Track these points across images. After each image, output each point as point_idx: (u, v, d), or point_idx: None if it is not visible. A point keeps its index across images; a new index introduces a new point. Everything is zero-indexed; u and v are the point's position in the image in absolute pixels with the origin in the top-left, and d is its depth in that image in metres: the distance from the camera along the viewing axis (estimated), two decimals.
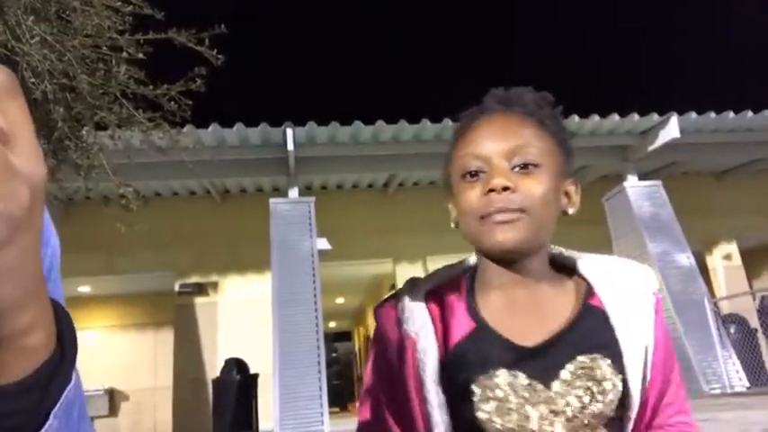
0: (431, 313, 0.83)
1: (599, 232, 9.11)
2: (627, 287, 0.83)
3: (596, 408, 0.75)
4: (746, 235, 10.89)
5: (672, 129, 8.18)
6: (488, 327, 0.80)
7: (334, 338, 18.79)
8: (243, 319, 9.15)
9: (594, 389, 0.76)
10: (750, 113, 8.52)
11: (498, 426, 0.76)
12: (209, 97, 3.80)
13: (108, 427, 10.69)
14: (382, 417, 0.83)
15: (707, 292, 7.91)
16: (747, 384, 7.18)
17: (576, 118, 8.17)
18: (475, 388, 0.77)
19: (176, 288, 9.33)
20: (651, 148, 8.57)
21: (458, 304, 0.84)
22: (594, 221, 9.12)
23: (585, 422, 0.76)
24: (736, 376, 7.27)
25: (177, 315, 9.41)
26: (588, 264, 0.86)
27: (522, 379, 0.76)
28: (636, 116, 8.21)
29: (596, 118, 8.21)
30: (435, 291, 0.87)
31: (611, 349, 0.78)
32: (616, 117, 8.22)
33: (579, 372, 0.76)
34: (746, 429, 3.63)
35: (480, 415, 0.76)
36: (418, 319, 0.82)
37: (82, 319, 10.78)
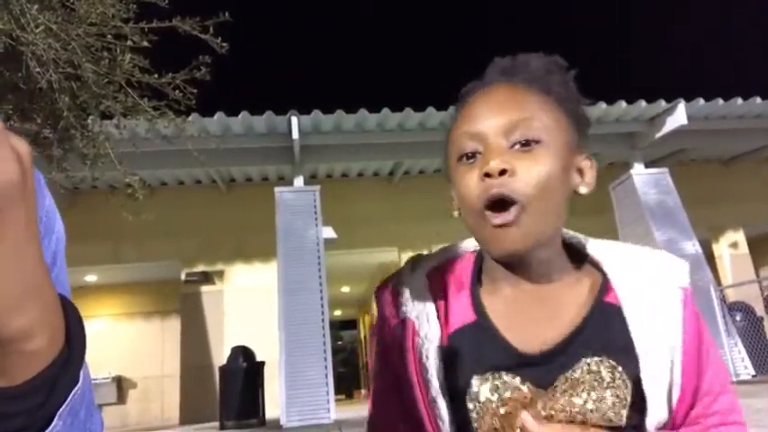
0: (432, 293, 0.77)
1: (605, 220, 9.08)
2: (649, 280, 0.73)
3: (597, 415, 0.68)
4: (753, 223, 10.83)
5: (679, 116, 8.12)
6: (490, 323, 0.73)
7: (339, 327, 18.88)
8: (249, 307, 9.20)
9: (595, 395, 0.68)
10: (759, 100, 8.44)
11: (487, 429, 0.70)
12: (215, 86, 3.79)
13: (116, 415, 10.81)
14: (388, 404, 0.78)
15: (713, 279, 7.88)
16: (753, 372, 7.18)
17: None
18: (471, 387, 0.71)
19: (183, 277, 9.38)
20: (658, 135, 8.51)
21: (461, 287, 0.78)
22: (601, 209, 9.09)
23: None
24: (742, 364, 7.26)
25: (183, 303, 9.46)
26: (607, 253, 0.77)
27: (520, 385, 0.70)
28: (643, 103, 8.15)
29: (603, 105, 8.16)
30: (439, 268, 0.81)
31: (624, 351, 0.70)
32: (623, 104, 8.16)
33: (584, 377, 0.69)
34: (752, 417, 3.64)
35: (474, 416, 0.70)
36: (418, 301, 0.76)
37: (89, 308, 10.85)
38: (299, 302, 7.16)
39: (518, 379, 0.70)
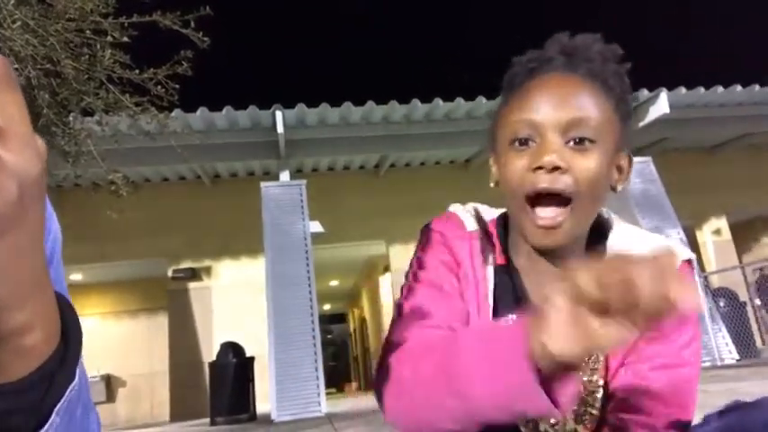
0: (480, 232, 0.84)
1: None
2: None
3: (594, 394, 0.75)
4: (736, 209, 10.97)
5: (661, 104, 8.18)
6: (516, 271, 0.81)
7: (329, 320, 18.90)
8: (237, 302, 9.17)
9: (588, 374, 0.75)
10: (739, 88, 8.53)
11: None
12: (197, 81, 3.75)
13: (106, 413, 10.74)
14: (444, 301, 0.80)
15: (697, 266, 7.98)
16: (737, 357, 7.30)
17: None
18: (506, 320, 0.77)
19: (169, 274, 9.32)
20: (641, 124, 8.58)
21: (493, 244, 0.84)
22: None
23: (589, 410, 0.74)
24: (726, 349, 7.37)
25: (171, 301, 9.41)
26: (617, 234, 0.82)
27: None
28: None
29: None
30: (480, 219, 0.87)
31: None
32: None
33: None
34: (736, 400, 3.69)
35: None
36: (475, 245, 0.82)
37: (76, 307, 10.74)
38: (288, 297, 7.15)
39: None
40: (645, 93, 8.25)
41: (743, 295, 8.33)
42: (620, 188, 0.78)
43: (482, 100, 7.92)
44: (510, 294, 0.79)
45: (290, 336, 6.94)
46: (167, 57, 3.55)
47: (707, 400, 0.73)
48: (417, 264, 0.83)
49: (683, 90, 8.34)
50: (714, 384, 4.56)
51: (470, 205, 0.89)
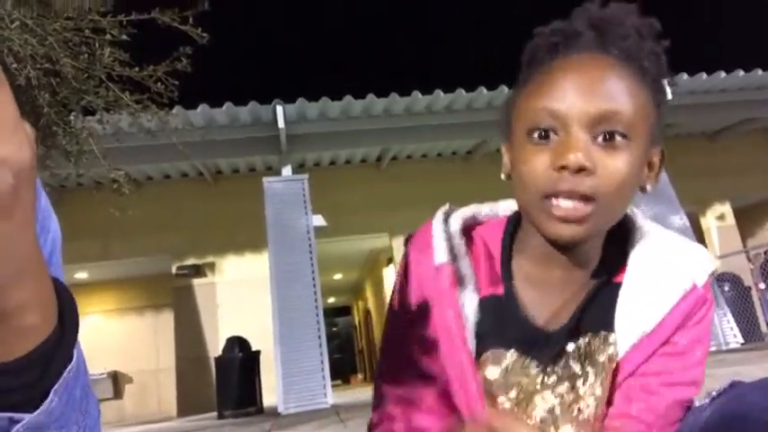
0: (467, 250, 0.75)
1: None
2: (663, 267, 0.71)
3: (590, 391, 0.71)
4: (740, 195, 10.94)
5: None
6: (516, 301, 0.72)
7: (333, 314, 18.94)
8: (242, 298, 9.20)
9: (590, 370, 0.70)
10: (742, 72, 8.49)
11: (499, 396, 0.72)
12: (197, 78, 3.75)
13: (113, 410, 10.81)
14: (407, 352, 0.74)
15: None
16: (742, 341, 7.30)
17: None
18: (487, 355, 0.72)
19: (173, 271, 9.34)
20: None
21: (491, 253, 0.76)
22: None
23: (587, 408, 0.71)
24: (731, 333, 7.37)
25: (176, 297, 9.44)
26: (643, 234, 0.75)
27: (532, 366, 0.71)
28: None
29: None
30: (471, 226, 0.78)
31: (610, 327, 0.72)
32: None
33: (577, 353, 0.71)
34: (732, 381, 3.69)
35: (488, 379, 0.72)
36: (457, 254, 0.73)
37: (81, 305, 10.71)
38: (293, 291, 7.17)
39: (532, 362, 0.71)
40: None
41: (747, 280, 8.32)
42: (649, 188, 0.69)
43: (483, 90, 7.89)
44: (501, 327, 0.72)
45: (296, 329, 6.97)
46: (167, 54, 3.54)
47: (711, 385, 0.74)
48: (394, 297, 0.78)
49: (684, 76, 8.30)
50: (719, 369, 4.57)
51: (467, 211, 0.80)
